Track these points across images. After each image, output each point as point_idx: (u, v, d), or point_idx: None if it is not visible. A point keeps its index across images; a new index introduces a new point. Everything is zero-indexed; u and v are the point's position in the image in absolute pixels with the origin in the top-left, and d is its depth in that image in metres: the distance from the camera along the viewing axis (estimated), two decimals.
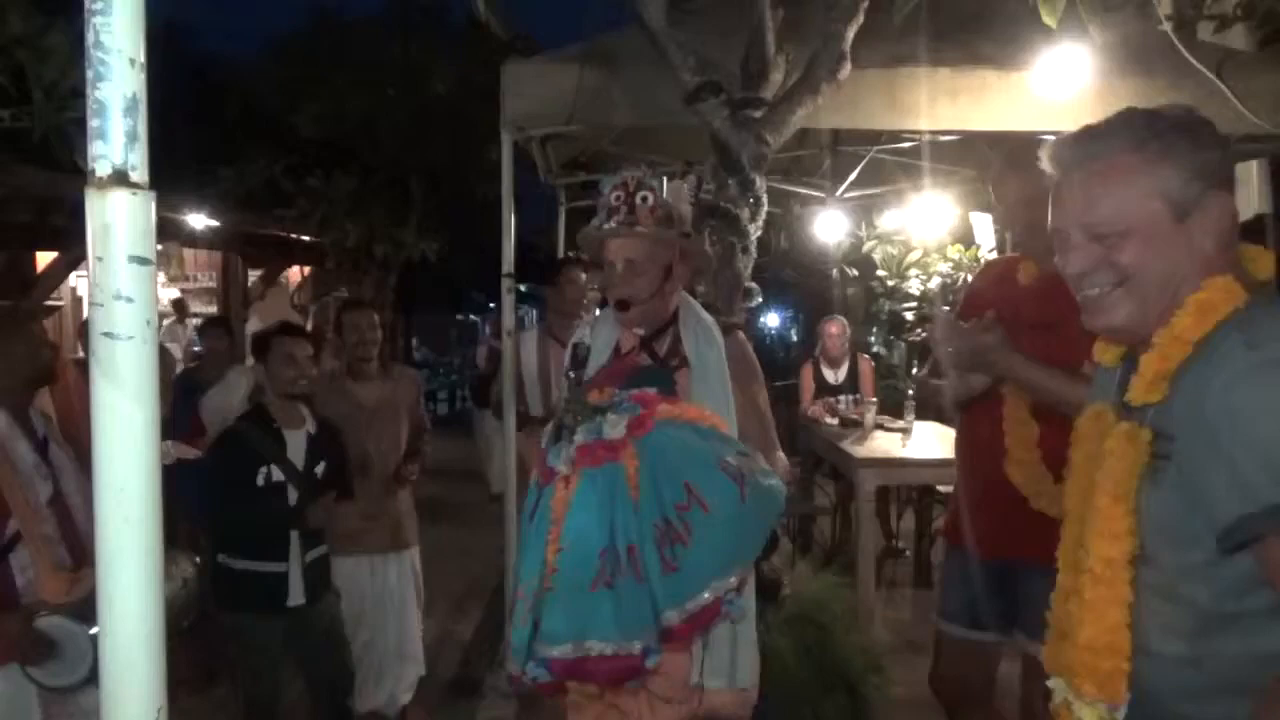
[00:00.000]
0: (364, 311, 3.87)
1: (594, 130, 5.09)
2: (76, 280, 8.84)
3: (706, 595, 1.91)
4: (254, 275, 11.11)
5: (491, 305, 15.92)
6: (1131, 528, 1.22)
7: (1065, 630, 1.33)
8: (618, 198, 2.24)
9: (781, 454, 2.42)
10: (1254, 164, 5.25)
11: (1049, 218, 2.29)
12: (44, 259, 8.01)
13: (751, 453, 2.07)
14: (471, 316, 20.57)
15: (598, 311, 2.68)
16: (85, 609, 2.17)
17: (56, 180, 5.59)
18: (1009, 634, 2.47)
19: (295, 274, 12.86)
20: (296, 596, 3.08)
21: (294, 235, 10.53)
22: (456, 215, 11.83)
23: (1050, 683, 1.36)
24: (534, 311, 17.00)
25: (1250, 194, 5.32)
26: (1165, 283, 1.23)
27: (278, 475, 3.07)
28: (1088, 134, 1.28)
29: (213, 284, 10.75)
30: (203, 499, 3.21)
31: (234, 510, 3.07)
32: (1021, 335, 2.09)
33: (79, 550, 2.37)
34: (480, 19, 3.80)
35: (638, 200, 2.23)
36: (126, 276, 0.80)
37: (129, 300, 0.80)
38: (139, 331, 0.80)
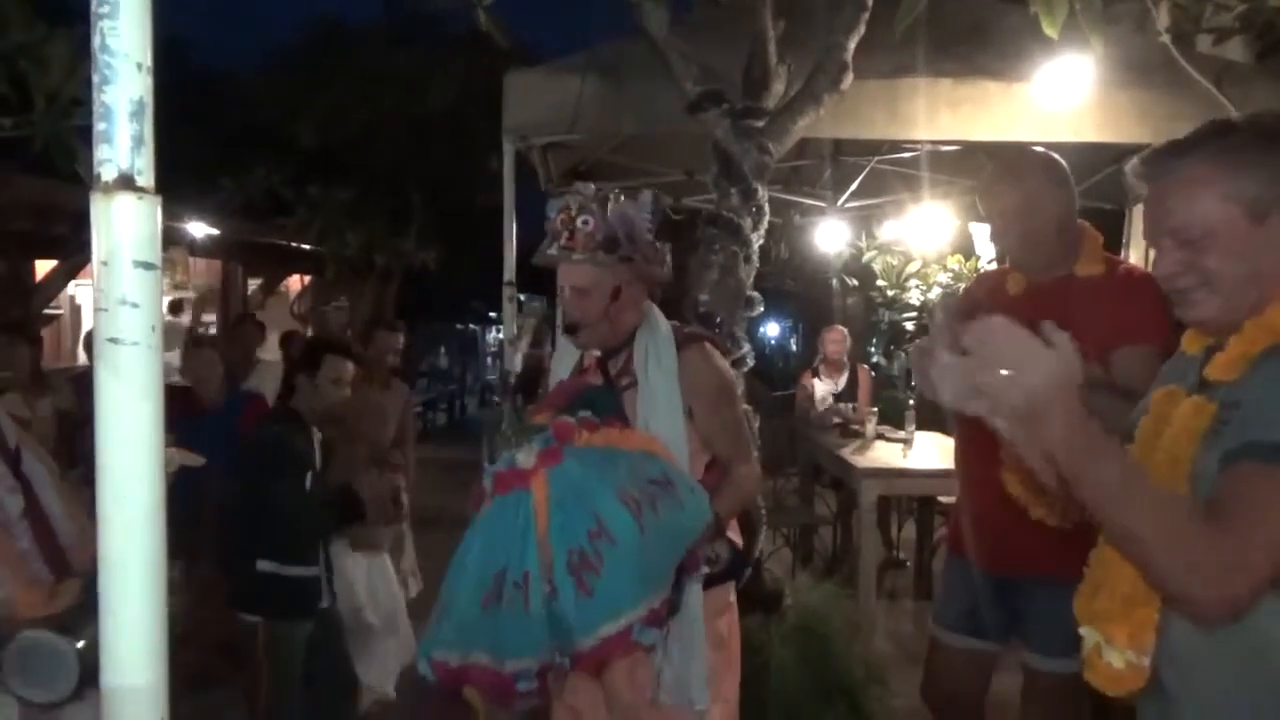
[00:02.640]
0: (395, 335, 4.74)
1: (595, 139, 5.09)
2: (75, 289, 8.84)
3: (622, 623, 1.93)
4: (254, 284, 11.11)
5: (492, 314, 15.91)
6: (1182, 487, 1.25)
7: (1100, 582, 1.36)
8: (561, 222, 2.23)
9: (755, 466, 2.41)
10: None
11: (1036, 228, 2.33)
12: (43, 267, 8.02)
13: (671, 476, 2.07)
14: (472, 326, 20.54)
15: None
16: (69, 621, 2.15)
17: (56, 189, 5.61)
18: (1005, 643, 2.47)
19: (295, 282, 12.87)
20: (326, 598, 3.13)
21: (294, 244, 10.54)
22: (456, 225, 11.84)
23: (1081, 630, 1.40)
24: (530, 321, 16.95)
25: None
26: (1250, 281, 1.29)
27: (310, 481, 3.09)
28: (1170, 148, 1.34)
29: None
30: (245, 504, 3.16)
31: (286, 515, 3.04)
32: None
33: (59, 562, 2.32)
34: (481, 29, 3.81)
35: (578, 224, 2.21)
36: (132, 281, 0.79)
37: (134, 305, 0.79)
38: (144, 337, 0.80)
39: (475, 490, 2.13)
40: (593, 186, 2.27)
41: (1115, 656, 1.32)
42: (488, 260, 5.30)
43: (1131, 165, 1.39)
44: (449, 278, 13.11)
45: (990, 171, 2.50)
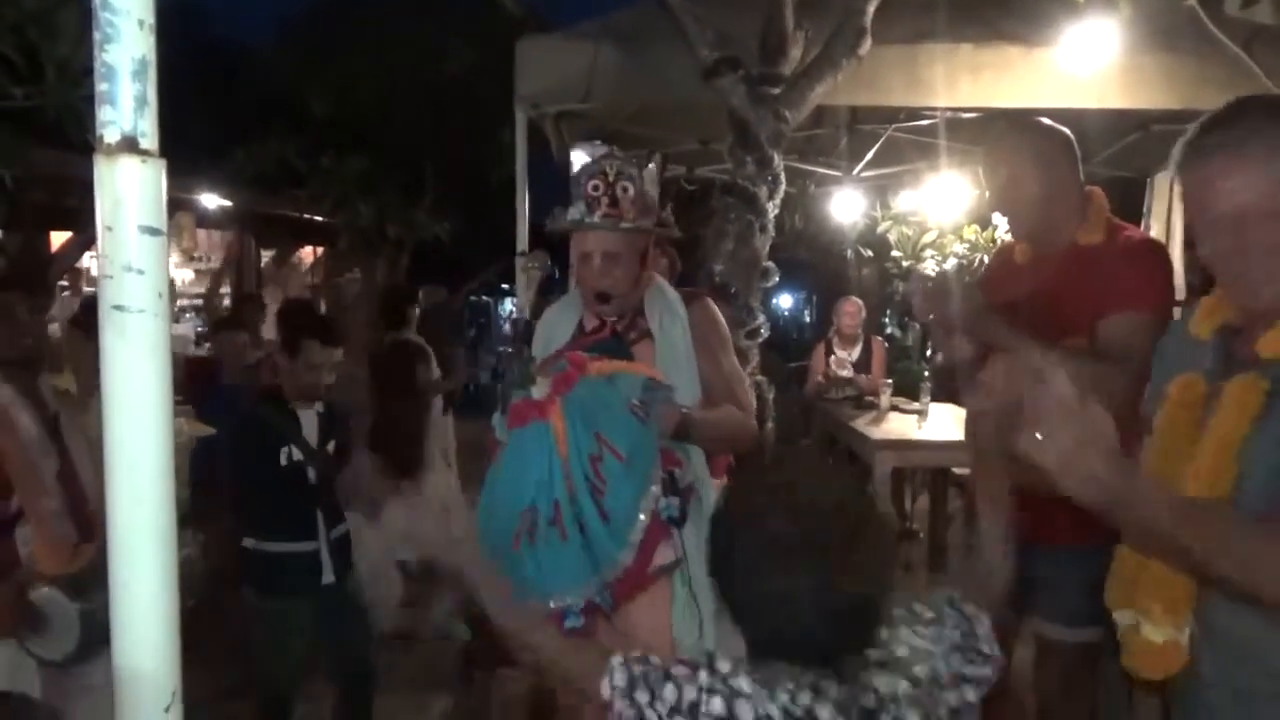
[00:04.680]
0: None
1: (609, 108, 5.04)
2: (90, 260, 8.87)
3: (642, 518, 1.93)
4: (266, 256, 11.11)
5: (505, 286, 15.86)
6: (1231, 474, 1.24)
7: (1133, 575, 1.35)
8: (595, 188, 2.14)
9: (751, 419, 2.38)
10: None
11: (1035, 199, 2.30)
12: (58, 239, 8.03)
13: (667, 388, 2.08)
14: (484, 298, 20.49)
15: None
16: (81, 583, 2.16)
17: (70, 160, 5.57)
18: (1022, 613, 2.46)
19: (308, 254, 12.87)
20: (328, 574, 3.10)
21: (306, 216, 10.52)
22: (469, 195, 11.78)
23: (1116, 615, 1.40)
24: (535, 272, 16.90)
25: None
26: None
27: (297, 455, 3.07)
28: (1210, 126, 1.32)
29: (217, 265, 10.76)
30: (227, 482, 3.20)
31: (262, 491, 3.07)
32: (1019, 312, 2.10)
33: (86, 525, 2.36)
34: None
35: (618, 191, 2.14)
36: (137, 247, 0.77)
37: (140, 272, 0.77)
38: (150, 304, 0.77)
39: (489, 441, 2.10)
40: (610, 147, 2.24)
41: (1154, 632, 1.31)
42: (501, 231, 5.27)
43: (1178, 148, 1.36)
44: (461, 248, 13.08)
45: (989, 142, 2.49)
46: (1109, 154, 5.08)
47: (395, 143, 11.25)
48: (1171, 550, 1.16)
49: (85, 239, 7.58)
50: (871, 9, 3.40)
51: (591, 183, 2.14)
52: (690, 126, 5.62)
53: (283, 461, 3.04)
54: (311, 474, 3.10)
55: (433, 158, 11.50)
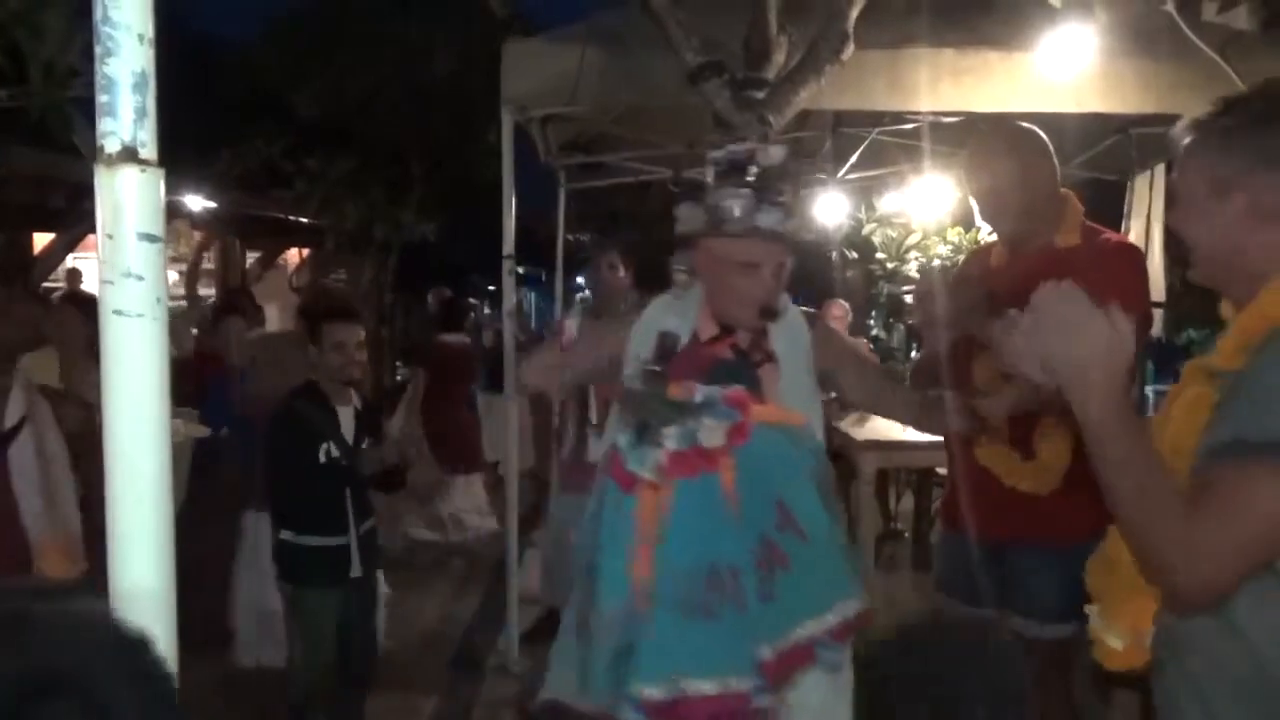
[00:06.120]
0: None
1: (595, 111, 5.06)
2: (74, 261, 8.81)
3: (801, 633, 1.71)
4: (252, 257, 11.07)
5: (491, 288, 15.85)
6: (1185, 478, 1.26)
7: (1113, 559, 1.38)
8: (781, 192, 1.86)
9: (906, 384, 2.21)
10: None
11: (1014, 202, 2.34)
12: (41, 240, 7.99)
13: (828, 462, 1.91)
14: (471, 300, 20.46)
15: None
16: None
17: (54, 161, 5.56)
18: (1001, 610, 2.50)
19: (294, 256, 12.82)
20: (356, 568, 3.15)
21: (292, 217, 10.49)
22: (455, 197, 11.77)
23: (1088, 608, 1.43)
24: (532, 295, 16.86)
25: None
26: (1229, 255, 1.31)
27: (334, 451, 3.10)
28: (1192, 124, 1.37)
29: (210, 265, 10.71)
30: (265, 477, 3.26)
31: (299, 486, 3.12)
32: (994, 312, 2.13)
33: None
34: None
35: (786, 194, 1.87)
36: (136, 254, 0.80)
37: (139, 278, 0.80)
38: (149, 309, 0.80)
39: (610, 468, 1.84)
40: (786, 146, 1.95)
41: (1114, 639, 1.35)
42: (487, 233, 5.29)
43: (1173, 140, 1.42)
44: (447, 250, 13.05)
45: (970, 149, 2.54)
46: (1088, 157, 5.14)
47: (381, 143, 11.23)
48: (1118, 508, 1.20)
49: (69, 239, 7.54)
50: (854, 14, 3.44)
51: (782, 185, 1.88)
52: (676, 129, 5.64)
53: (321, 459, 3.08)
54: (347, 470, 3.14)
55: (418, 158, 11.48)
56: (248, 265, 10.83)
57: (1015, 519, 2.33)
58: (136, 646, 0.54)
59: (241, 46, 12.79)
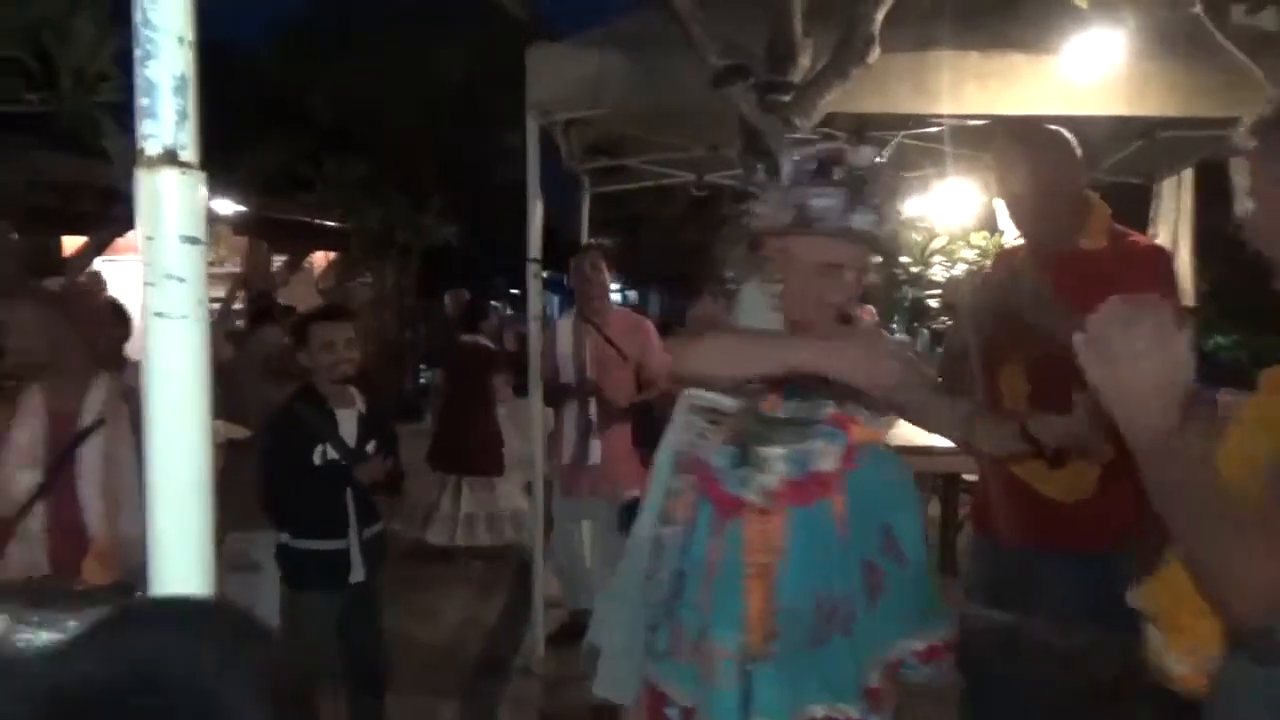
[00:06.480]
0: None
1: (618, 115, 5.07)
2: (102, 265, 8.91)
3: (893, 654, 1.71)
4: (278, 260, 11.15)
5: (515, 291, 15.89)
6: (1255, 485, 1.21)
7: (1174, 582, 1.32)
8: (875, 194, 1.75)
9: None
10: None
11: (1043, 204, 2.31)
12: (70, 244, 8.08)
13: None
14: (493, 304, 20.52)
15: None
16: None
17: (83, 165, 5.63)
18: (1032, 617, 2.48)
19: (320, 259, 12.92)
20: (358, 573, 3.14)
21: (317, 221, 10.57)
22: (475, 200, 11.82)
23: (1148, 627, 1.38)
24: (555, 299, 16.89)
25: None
26: None
27: (332, 454, 3.10)
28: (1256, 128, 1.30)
29: (236, 269, 10.80)
30: (262, 480, 3.25)
31: (294, 488, 3.12)
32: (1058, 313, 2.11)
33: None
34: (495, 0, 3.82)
35: (880, 193, 1.76)
36: (177, 256, 0.80)
37: (180, 280, 0.80)
38: (191, 311, 0.81)
39: (707, 489, 1.77)
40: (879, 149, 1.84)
41: (1174, 663, 1.31)
42: (510, 235, 5.30)
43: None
44: (470, 254, 13.12)
45: (995, 151, 2.51)
46: (1115, 161, 5.10)
47: (397, 147, 11.30)
48: (1176, 534, 1.14)
49: (98, 243, 7.62)
50: (880, 17, 3.42)
51: (877, 187, 1.76)
52: (699, 132, 5.64)
53: (316, 460, 3.08)
54: (345, 473, 3.13)
55: (435, 161, 11.55)
56: (275, 268, 10.91)
57: (1045, 526, 2.30)
58: (250, 636, 0.54)
59: (257, 52, 12.88)
